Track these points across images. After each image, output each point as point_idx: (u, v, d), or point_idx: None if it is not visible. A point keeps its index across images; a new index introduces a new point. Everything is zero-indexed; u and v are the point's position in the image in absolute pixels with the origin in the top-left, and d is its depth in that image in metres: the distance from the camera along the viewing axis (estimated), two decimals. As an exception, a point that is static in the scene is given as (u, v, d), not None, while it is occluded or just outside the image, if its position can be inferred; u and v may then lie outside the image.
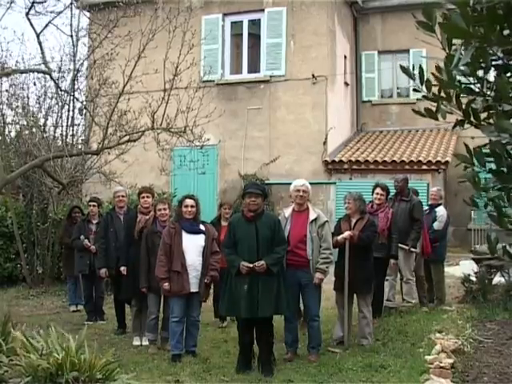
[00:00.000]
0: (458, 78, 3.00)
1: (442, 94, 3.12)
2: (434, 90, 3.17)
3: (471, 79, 3.01)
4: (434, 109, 3.17)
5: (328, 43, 17.16)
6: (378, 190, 8.98)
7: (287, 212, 7.36)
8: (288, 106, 17.09)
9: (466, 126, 3.15)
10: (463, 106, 3.07)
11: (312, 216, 7.22)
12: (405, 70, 3.24)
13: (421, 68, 3.23)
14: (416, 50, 17.76)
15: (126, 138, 11.00)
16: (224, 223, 8.74)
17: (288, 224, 7.20)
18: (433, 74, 3.05)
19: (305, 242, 7.10)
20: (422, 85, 3.22)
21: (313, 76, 16.78)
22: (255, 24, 17.83)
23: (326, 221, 7.32)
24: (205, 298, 7.67)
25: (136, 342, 8.28)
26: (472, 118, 3.07)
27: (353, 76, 19.68)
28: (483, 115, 3.07)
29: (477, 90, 3.02)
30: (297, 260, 7.09)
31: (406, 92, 19.57)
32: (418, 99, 18.26)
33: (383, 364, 6.73)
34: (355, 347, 7.58)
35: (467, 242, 16.25)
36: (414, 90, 3.27)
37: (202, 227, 7.52)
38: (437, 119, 3.20)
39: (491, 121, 3.04)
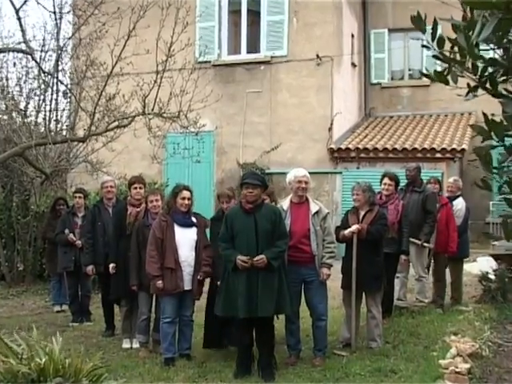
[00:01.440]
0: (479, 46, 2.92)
1: (455, 56, 3.03)
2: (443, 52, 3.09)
3: (491, 49, 2.93)
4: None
5: (334, 21, 17.07)
6: (386, 179, 8.95)
7: (285, 204, 7.32)
8: (290, 89, 17.02)
9: (480, 92, 3.06)
10: (479, 71, 2.98)
11: (313, 208, 7.20)
12: (416, 20, 3.15)
13: (435, 21, 3.14)
14: (430, 27, 17.67)
15: (115, 123, 10.98)
16: None
17: (288, 218, 7.16)
18: (451, 38, 2.95)
19: (309, 236, 7.08)
20: (433, 41, 3.13)
21: (317, 56, 16.71)
22: (254, 0, 17.74)
23: (328, 213, 7.32)
24: (198, 296, 7.65)
25: (126, 345, 8.27)
26: (488, 85, 2.98)
27: (361, 56, 19.61)
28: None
29: (499, 58, 2.95)
30: (301, 256, 7.07)
31: (418, 74, 19.48)
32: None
33: (393, 368, 6.72)
34: (363, 350, 7.57)
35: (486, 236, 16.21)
36: (423, 46, 3.19)
37: (193, 219, 7.50)
38: (447, 83, 3.12)
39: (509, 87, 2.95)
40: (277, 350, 7.08)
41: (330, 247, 7.16)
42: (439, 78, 3.14)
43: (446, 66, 3.12)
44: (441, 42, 3.10)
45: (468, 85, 3.10)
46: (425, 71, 3.29)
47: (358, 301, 7.78)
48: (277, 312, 6.80)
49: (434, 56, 3.15)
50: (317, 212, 7.17)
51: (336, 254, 7.25)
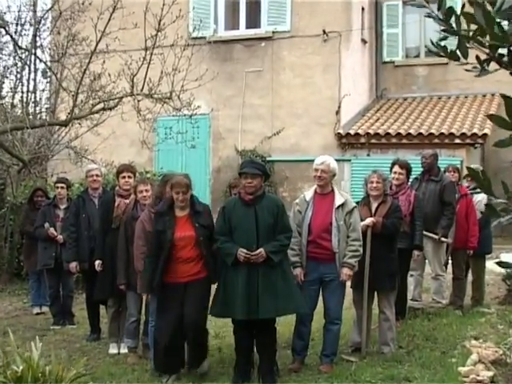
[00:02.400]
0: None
1: (464, 28, 2.96)
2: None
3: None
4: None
5: (342, -8, 17.03)
6: (396, 168, 8.95)
7: (308, 195, 7.32)
8: (294, 68, 16.98)
9: (492, 68, 2.99)
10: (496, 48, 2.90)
11: (339, 201, 7.18)
12: None
13: None
14: None
15: (101, 105, 10.96)
16: None
17: (310, 209, 7.17)
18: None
19: (330, 231, 7.07)
20: (438, 10, 3.05)
21: (324, 32, 16.66)
22: (254, -31, 17.69)
23: (355, 206, 7.28)
24: None
25: (113, 350, 8.26)
26: (505, 59, 2.91)
27: (372, 32, 19.54)
28: None
29: None
30: (320, 252, 7.07)
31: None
32: (450, 59, 18.31)
33: (408, 376, 6.71)
34: (374, 355, 7.56)
35: (510, 231, 16.18)
36: (427, 16, 3.12)
37: None
38: (457, 59, 3.06)
39: None
40: (279, 355, 7.07)
41: (354, 245, 7.12)
42: (448, 53, 3.08)
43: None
44: (449, 13, 3.03)
45: (477, 58, 3.02)
46: (431, 45, 3.22)
47: (370, 301, 7.78)
48: (280, 313, 6.80)
49: (442, 30, 3.09)
50: (342, 205, 7.15)
51: (361, 253, 7.23)
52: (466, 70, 3.19)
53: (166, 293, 6.84)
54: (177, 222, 6.93)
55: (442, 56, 3.15)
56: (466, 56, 3.04)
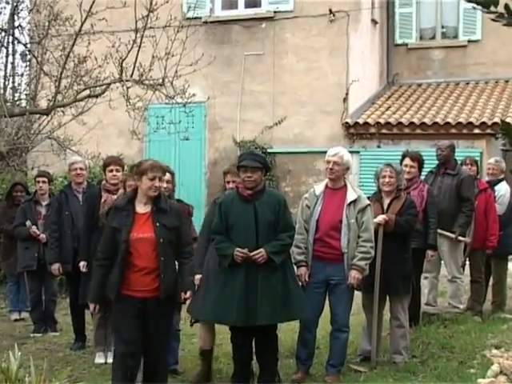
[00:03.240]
0: None
1: None
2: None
3: None
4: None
5: (350, -32, 17.00)
6: (406, 160, 8.95)
7: (318, 189, 7.33)
8: (297, 52, 16.95)
9: None
10: None
11: (351, 196, 7.20)
12: None
13: None
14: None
15: (86, 92, 10.91)
16: None
17: (319, 204, 7.20)
18: None
19: (339, 229, 7.09)
20: None
21: (330, 12, 16.62)
22: None
23: (369, 204, 7.29)
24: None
25: (99, 360, 8.28)
26: None
27: (383, 11, 19.50)
28: None
29: None
30: (327, 252, 7.10)
31: (453, 32, 19.34)
32: (469, 41, 18.26)
33: (422, 388, 6.73)
34: (385, 365, 7.57)
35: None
36: None
37: None
38: (487, 6, 3.01)
39: None
40: (281, 365, 7.08)
41: (365, 246, 7.13)
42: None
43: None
44: None
45: (506, 7, 2.98)
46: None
47: (381, 306, 7.77)
48: (281, 320, 6.80)
49: None
50: (354, 201, 7.17)
51: (372, 255, 7.22)
52: (492, 20, 3.12)
53: (119, 307, 6.33)
54: (136, 220, 6.29)
55: (469, 1, 3.07)
56: (496, 3, 2.99)
